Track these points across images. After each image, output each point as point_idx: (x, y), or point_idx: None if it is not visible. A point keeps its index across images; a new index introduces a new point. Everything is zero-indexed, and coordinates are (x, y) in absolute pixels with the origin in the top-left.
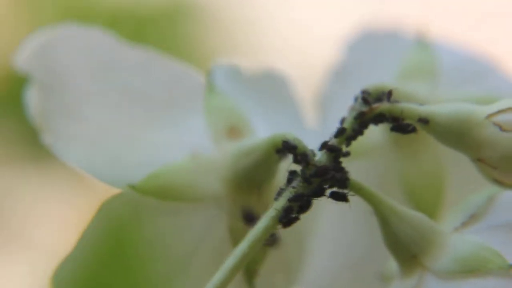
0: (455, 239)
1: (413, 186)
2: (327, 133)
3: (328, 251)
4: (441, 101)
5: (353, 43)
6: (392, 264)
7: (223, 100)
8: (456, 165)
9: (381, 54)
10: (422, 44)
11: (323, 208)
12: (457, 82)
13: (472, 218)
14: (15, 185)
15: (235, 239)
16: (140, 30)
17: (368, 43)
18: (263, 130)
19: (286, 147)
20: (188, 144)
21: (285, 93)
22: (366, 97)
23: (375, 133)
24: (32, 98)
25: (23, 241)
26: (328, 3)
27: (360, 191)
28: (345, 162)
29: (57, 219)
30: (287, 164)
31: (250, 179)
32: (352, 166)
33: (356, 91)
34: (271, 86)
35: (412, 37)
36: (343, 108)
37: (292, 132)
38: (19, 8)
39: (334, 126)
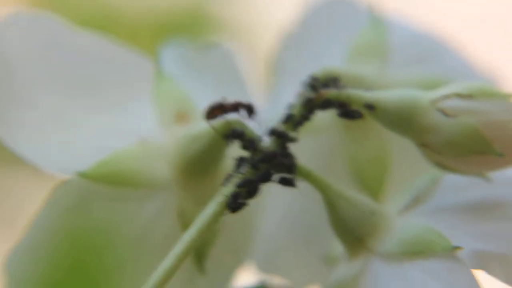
0: (400, 222)
1: (359, 167)
2: (279, 101)
3: (276, 222)
4: (389, 84)
5: (311, 6)
6: (337, 247)
7: (170, 85)
8: (402, 148)
9: (339, 23)
10: (375, 21)
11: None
12: (409, 60)
13: (417, 201)
14: (15, 185)
15: (185, 225)
16: (158, 40)
17: (327, 11)
18: None
19: (233, 134)
20: (137, 130)
21: (233, 68)
22: (314, 83)
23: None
24: None
25: None
26: None
27: (307, 176)
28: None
29: None
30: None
31: (198, 164)
32: (299, 145)
33: (310, 58)
34: (219, 63)
35: (367, 10)
36: (296, 75)
37: (239, 118)
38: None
39: (286, 93)
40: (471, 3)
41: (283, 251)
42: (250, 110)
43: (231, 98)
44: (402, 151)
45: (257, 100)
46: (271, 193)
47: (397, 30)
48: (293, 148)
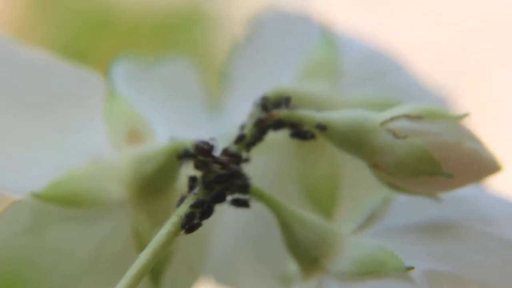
0: (354, 242)
1: (310, 184)
2: (231, 113)
3: (233, 236)
4: (341, 104)
5: (263, 21)
6: (292, 266)
7: (122, 104)
8: (353, 167)
9: (290, 35)
10: (326, 38)
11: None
12: (360, 80)
13: (370, 221)
14: None
15: (140, 244)
16: (160, 40)
17: (278, 24)
18: (164, 130)
19: (186, 154)
20: (89, 149)
21: (186, 81)
22: (265, 103)
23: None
24: None
25: None
26: None
27: (261, 197)
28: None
29: None
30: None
31: (152, 184)
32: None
33: (262, 69)
34: (171, 77)
35: (319, 26)
36: (247, 90)
37: (192, 139)
38: (39, 18)
39: (238, 105)
40: (470, 4)
41: (240, 265)
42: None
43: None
44: (356, 171)
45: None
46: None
47: (349, 48)
48: (245, 166)
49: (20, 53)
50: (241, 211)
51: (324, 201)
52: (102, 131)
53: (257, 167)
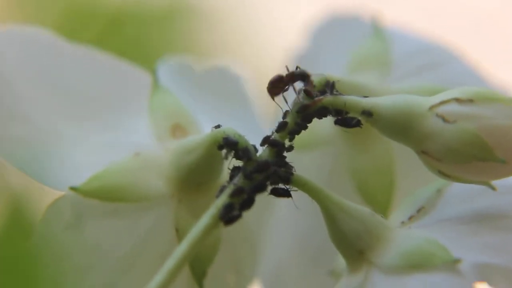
0: (401, 234)
1: (364, 179)
2: None
3: (283, 243)
4: (388, 92)
5: (317, 28)
6: (342, 261)
7: (167, 98)
8: (407, 157)
9: (345, 39)
10: (377, 32)
11: (274, 203)
12: (411, 72)
13: (420, 212)
14: None
15: (182, 239)
16: (141, 31)
17: (332, 29)
18: (210, 128)
19: (227, 143)
20: (132, 144)
21: (237, 90)
22: (309, 90)
23: (325, 124)
24: None
25: None
26: None
27: (304, 187)
28: (293, 154)
29: None
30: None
31: (194, 176)
32: (303, 158)
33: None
34: (222, 83)
35: (370, 23)
36: None
37: (233, 128)
38: (20, 8)
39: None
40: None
41: (291, 269)
42: (304, 77)
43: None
44: (409, 160)
45: (262, 122)
46: (278, 212)
47: (400, 40)
48: (296, 165)
49: (64, 49)
50: (298, 217)
51: (379, 197)
52: (146, 125)
53: (308, 166)
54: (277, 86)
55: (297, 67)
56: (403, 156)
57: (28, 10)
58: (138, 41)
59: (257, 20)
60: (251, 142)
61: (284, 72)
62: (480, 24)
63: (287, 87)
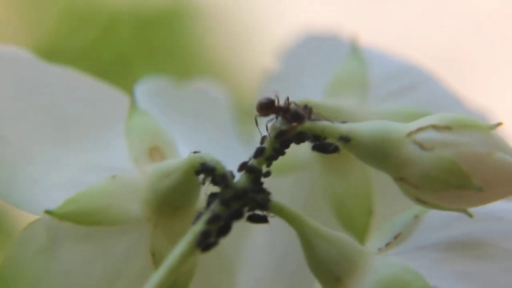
0: (378, 261)
1: (342, 204)
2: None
3: (259, 269)
4: (367, 117)
5: (292, 48)
6: (319, 287)
7: (145, 120)
8: (385, 183)
9: (322, 59)
10: (355, 54)
11: (251, 228)
12: (392, 92)
13: (397, 238)
14: None
15: (158, 264)
16: (140, 32)
17: (308, 48)
18: (188, 151)
19: (204, 169)
20: (109, 166)
21: (216, 111)
22: (287, 116)
23: (303, 148)
24: None
25: None
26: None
27: (281, 213)
28: (270, 179)
29: None
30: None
31: (170, 201)
32: (280, 182)
33: (294, 94)
34: (201, 104)
35: (348, 44)
36: None
37: (210, 153)
38: (20, 9)
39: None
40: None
41: None
42: (298, 118)
43: (212, 138)
44: (387, 186)
45: (237, 140)
46: (255, 237)
47: (378, 62)
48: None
49: (42, 69)
50: (275, 242)
51: (357, 223)
52: (123, 148)
53: (285, 191)
54: (265, 111)
55: (290, 102)
56: (381, 182)
57: (28, 10)
58: (137, 42)
59: (257, 20)
60: (230, 164)
61: (274, 99)
62: (480, 24)
63: (274, 116)
